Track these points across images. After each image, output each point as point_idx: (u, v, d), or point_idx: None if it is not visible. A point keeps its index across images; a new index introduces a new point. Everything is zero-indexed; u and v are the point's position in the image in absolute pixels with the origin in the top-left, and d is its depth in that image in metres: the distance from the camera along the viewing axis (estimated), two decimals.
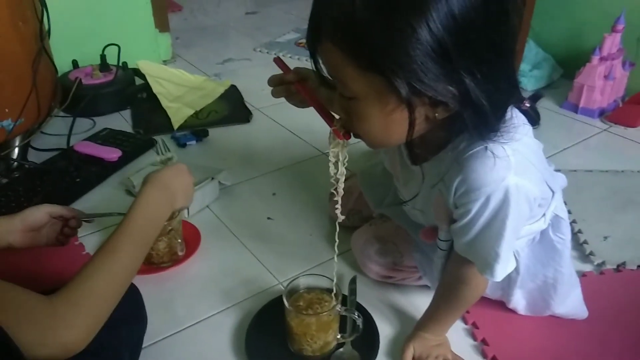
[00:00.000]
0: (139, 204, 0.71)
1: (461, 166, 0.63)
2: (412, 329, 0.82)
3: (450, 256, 0.75)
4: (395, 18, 0.51)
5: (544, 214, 0.74)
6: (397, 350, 0.80)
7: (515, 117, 0.63)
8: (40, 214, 0.83)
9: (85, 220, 0.90)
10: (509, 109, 0.62)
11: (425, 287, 0.90)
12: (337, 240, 0.73)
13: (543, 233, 0.77)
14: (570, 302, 0.83)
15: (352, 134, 0.67)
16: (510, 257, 0.68)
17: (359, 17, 0.52)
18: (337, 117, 0.69)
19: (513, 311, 0.85)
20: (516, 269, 0.76)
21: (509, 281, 0.79)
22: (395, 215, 0.91)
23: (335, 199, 0.72)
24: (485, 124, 0.58)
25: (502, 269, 0.67)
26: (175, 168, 0.80)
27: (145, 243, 0.69)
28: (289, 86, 0.79)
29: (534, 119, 0.69)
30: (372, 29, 0.52)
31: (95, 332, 0.58)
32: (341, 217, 0.73)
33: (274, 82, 0.80)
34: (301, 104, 0.81)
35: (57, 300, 0.57)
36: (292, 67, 0.77)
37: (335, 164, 0.70)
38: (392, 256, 0.89)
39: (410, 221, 0.86)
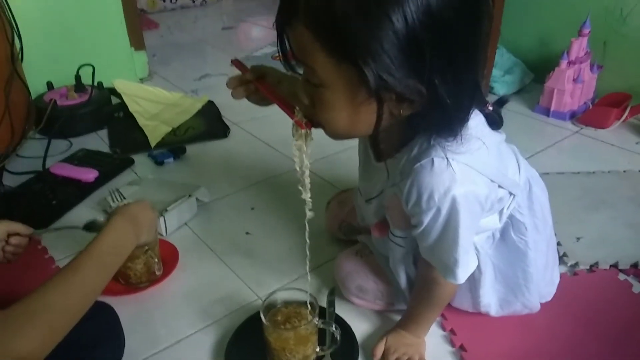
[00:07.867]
0: (106, 230, 0.73)
1: (411, 175, 0.64)
2: None
3: (411, 252, 0.77)
4: (373, 8, 0.52)
5: (500, 211, 0.75)
6: None
7: (476, 127, 0.64)
8: None
9: (34, 236, 0.88)
10: (472, 113, 0.63)
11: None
12: (307, 254, 0.75)
13: (505, 233, 0.78)
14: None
15: (313, 123, 0.66)
16: (469, 258, 0.70)
17: (337, 2, 0.52)
18: (297, 108, 0.68)
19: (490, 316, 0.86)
20: (479, 269, 0.77)
21: (474, 282, 0.80)
22: (371, 244, 0.90)
23: (303, 197, 0.70)
24: (448, 124, 0.60)
25: (463, 272, 0.70)
26: (142, 203, 0.83)
27: (108, 268, 0.70)
28: (249, 85, 0.79)
29: (496, 122, 0.71)
30: (349, 16, 0.52)
31: (52, 346, 0.58)
32: (310, 214, 0.72)
33: (232, 83, 0.80)
34: (262, 101, 0.81)
35: (11, 312, 0.57)
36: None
37: (300, 157, 0.69)
38: (372, 295, 0.88)
39: (382, 252, 0.86)
